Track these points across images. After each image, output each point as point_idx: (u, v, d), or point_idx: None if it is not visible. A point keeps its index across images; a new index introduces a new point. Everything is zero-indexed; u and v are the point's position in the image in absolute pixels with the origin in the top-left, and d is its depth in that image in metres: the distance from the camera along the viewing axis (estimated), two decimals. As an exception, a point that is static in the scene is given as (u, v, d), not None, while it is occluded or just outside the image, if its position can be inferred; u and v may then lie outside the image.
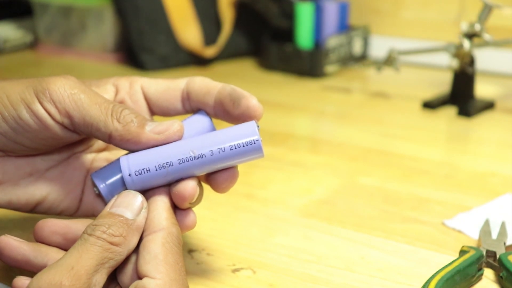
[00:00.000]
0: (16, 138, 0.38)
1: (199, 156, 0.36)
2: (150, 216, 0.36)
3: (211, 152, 0.36)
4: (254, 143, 0.36)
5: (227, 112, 0.39)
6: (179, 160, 0.36)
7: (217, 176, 0.38)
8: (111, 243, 0.33)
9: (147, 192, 0.37)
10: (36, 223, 0.38)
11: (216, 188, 0.39)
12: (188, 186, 0.36)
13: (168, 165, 0.36)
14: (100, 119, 0.37)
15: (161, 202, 0.37)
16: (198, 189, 0.37)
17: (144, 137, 0.37)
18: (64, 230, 0.37)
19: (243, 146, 0.36)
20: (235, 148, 0.36)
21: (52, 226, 0.37)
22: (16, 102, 0.37)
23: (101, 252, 0.33)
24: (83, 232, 0.34)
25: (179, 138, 0.37)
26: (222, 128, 0.37)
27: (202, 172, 0.37)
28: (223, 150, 0.36)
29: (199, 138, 0.36)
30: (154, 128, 0.37)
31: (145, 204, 0.36)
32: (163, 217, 0.36)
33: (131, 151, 0.37)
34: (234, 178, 0.38)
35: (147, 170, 0.36)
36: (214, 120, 0.40)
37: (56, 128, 0.37)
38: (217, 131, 0.37)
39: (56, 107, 0.37)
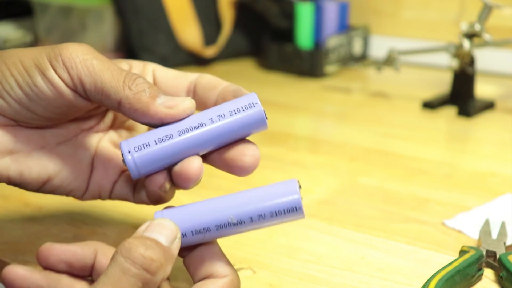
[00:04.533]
0: (30, 106, 0.37)
1: (238, 222, 0.34)
2: (211, 262, 0.35)
3: (250, 219, 0.34)
4: (296, 210, 0.34)
5: None
6: (217, 226, 0.34)
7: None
8: (148, 271, 0.31)
9: None
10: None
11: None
12: (194, 165, 0.35)
13: (205, 231, 0.35)
14: (111, 84, 0.36)
15: (218, 249, 0.36)
16: (203, 168, 0.36)
17: (152, 109, 0.35)
18: (70, 259, 0.35)
19: (284, 213, 0.34)
20: (276, 215, 0.34)
21: (57, 254, 0.35)
22: (31, 68, 0.36)
23: (136, 284, 0.30)
24: (116, 253, 0.31)
25: (189, 115, 0.36)
26: (262, 186, 0.35)
27: (240, 232, 0.35)
28: (263, 216, 0.34)
29: (237, 200, 0.35)
30: (165, 101, 0.36)
31: (179, 234, 0.34)
32: (225, 263, 0.35)
33: (139, 122, 0.36)
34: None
35: (183, 235, 0.34)
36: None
37: (70, 95, 0.37)
38: (257, 191, 0.35)
39: (69, 73, 0.36)
